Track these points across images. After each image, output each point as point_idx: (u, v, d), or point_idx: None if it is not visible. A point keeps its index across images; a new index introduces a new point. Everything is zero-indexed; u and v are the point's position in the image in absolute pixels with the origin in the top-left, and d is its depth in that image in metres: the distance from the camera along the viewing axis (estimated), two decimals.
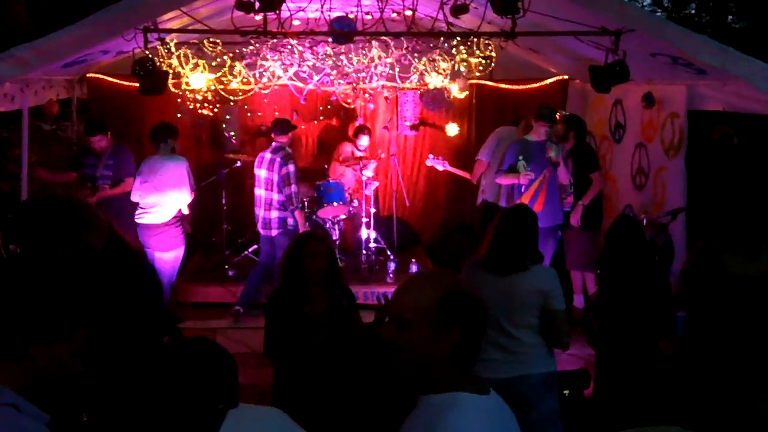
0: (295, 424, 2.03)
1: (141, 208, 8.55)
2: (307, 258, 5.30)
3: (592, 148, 9.43)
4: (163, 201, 8.54)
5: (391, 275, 10.21)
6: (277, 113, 11.45)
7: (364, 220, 10.55)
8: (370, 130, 11.22)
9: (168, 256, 8.63)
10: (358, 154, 10.97)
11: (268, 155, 9.17)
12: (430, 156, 10.44)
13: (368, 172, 10.67)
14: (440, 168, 10.30)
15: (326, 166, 11.06)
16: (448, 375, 2.45)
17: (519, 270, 5.03)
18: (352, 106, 11.34)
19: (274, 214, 9.13)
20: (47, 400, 2.72)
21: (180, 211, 8.77)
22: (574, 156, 9.08)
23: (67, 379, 2.74)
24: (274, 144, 9.23)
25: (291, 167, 9.01)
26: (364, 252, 10.56)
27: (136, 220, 8.55)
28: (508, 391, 4.95)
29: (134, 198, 8.54)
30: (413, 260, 10.31)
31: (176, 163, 8.71)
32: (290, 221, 9.12)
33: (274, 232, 9.12)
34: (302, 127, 11.68)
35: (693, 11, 20.13)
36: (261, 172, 9.19)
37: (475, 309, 2.50)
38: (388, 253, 10.63)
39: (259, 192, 9.20)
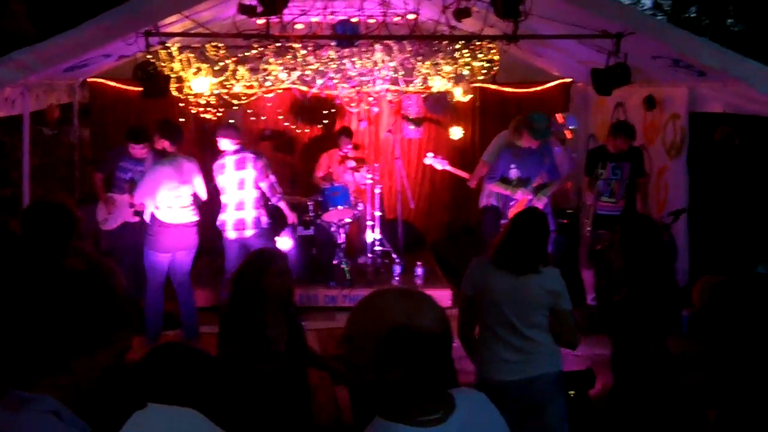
0: (213, 425, 1.95)
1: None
2: (273, 277, 4.89)
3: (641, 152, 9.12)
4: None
5: (396, 278, 10.22)
6: (280, 117, 11.48)
7: (369, 223, 10.54)
8: (351, 132, 11.18)
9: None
10: (347, 153, 10.99)
11: (232, 158, 8.94)
12: (429, 154, 10.37)
13: (364, 176, 10.64)
14: (439, 167, 10.24)
15: (330, 170, 11.04)
16: (393, 403, 2.32)
17: (533, 271, 5.04)
18: (356, 110, 11.35)
19: (250, 214, 8.98)
20: (90, 406, 2.72)
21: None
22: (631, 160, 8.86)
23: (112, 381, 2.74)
24: (235, 146, 8.98)
25: (264, 159, 9.03)
26: (369, 255, 10.56)
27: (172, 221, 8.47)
28: (523, 392, 5.00)
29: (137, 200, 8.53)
30: (419, 262, 10.29)
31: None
32: (264, 220, 9.04)
33: (249, 233, 8.96)
34: (306, 130, 11.69)
35: (693, 14, 20.17)
36: (228, 177, 8.95)
37: (424, 348, 2.29)
38: (394, 255, 10.62)
39: (228, 197, 8.98)
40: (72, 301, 2.54)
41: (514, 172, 8.56)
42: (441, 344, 2.33)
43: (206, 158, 10.96)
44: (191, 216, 8.49)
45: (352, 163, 10.76)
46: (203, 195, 8.68)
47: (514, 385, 4.99)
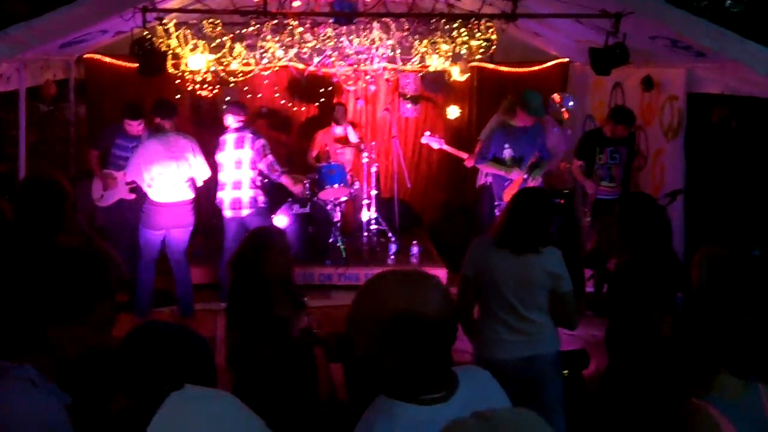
0: (249, 410, 1.96)
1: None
2: (274, 255, 4.89)
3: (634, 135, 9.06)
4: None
5: (392, 257, 10.24)
6: (277, 95, 11.44)
7: (365, 201, 10.54)
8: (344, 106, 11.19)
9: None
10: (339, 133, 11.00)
11: (233, 135, 8.94)
12: (426, 133, 10.33)
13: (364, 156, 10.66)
14: (436, 146, 10.21)
15: (327, 149, 11.00)
16: (396, 382, 2.33)
17: (533, 251, 5.03)
18: (353, 88, 11.33)
19: (247, 193, 8.99)
20: (74, 381, 2.76)
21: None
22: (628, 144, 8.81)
23: (95, 359, 2.77)
24: (237, 123, 8.98)
25: (263, 139, 9.02)
26: (365, 234, 10.58)
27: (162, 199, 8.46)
28: (521, 371, 5.00)
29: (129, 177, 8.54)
30: (414, 242, 10.31)
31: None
32: (261, 199, 9.04)
33: (245, 212, 8.98)
34: (303, 109, 11.66)
35: None
36: (227, 155, 8.94)
37: (426, 335, 2.30)
38: (389, 234, 10.63)
39: (225, 175, 8.98)
40: (45, 273, 2.61)
41: (507, 152, 8.50)
42: (445, 329, 2.33)
43: (202, 135, 10.92)
44: (184, 194, 8.44)
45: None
46: (200, 174, 8.60)
47: (513, 364, 5.00)
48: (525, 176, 8.38)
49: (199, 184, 8.70)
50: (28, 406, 2.52)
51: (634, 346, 5.39)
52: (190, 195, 8.52)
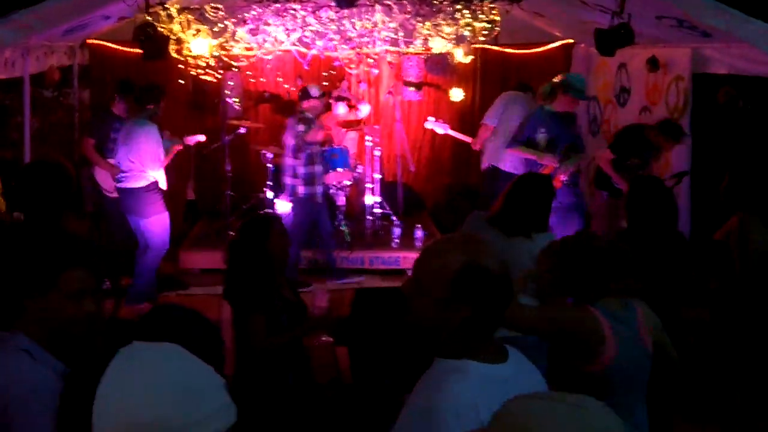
0: (198, 359, 1.97)
1: (122, 172, 8.36)
2: (276, 238, 4.82)
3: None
4: (137, 166, 8.27)
5: (396, 240, 10.24)
6: (280, 79, 11.43)
7: (369, 185, 10.52)
8: (346, 99, 11.21)
9: (149, 221, 8.38)
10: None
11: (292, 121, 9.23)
12: (431, 118, 10.31)
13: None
14: (441, 131, 10.20)
15: (330, 132, 10.97)
16: (459, 341, 2.43)
17: (523, 235, 5.02)
18: (355, 72, 11.30)
19: (287, 181, 9.28)
20: (69, 351, 2.83)
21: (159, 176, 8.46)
22: None
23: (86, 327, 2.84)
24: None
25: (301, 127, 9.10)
26: (368, 217, 10.56)
27: (116, 185, 8.43)
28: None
29: (114, 162, 8.51)
30: (418, 225, 10.30)
31: (149, 129, 8.33)
32: (301, 189, 9.11)
33: (288, 200, 9.26)
34: None
35: None
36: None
37: (492, 287, 2.42)
38: (393, 218, 10.64)
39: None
40: (13, 247, 2.72)
41: (542, 137, 8.22)
42: (506, 284, 2.46)
43: (205, 120, 10.96)
44: (126, 181, 8.35)
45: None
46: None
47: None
48: (556, 165, 8.17)
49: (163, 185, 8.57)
50: (22, 375, 2.61)
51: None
52: (130, 184, 8.37)
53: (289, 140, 9.26)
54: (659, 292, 5.27)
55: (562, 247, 4.08)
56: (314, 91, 9.21)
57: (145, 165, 8.19)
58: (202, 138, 9.32)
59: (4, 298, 2.76)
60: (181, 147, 8.74)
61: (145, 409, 1.77)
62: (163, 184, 8.40)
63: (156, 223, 8.32)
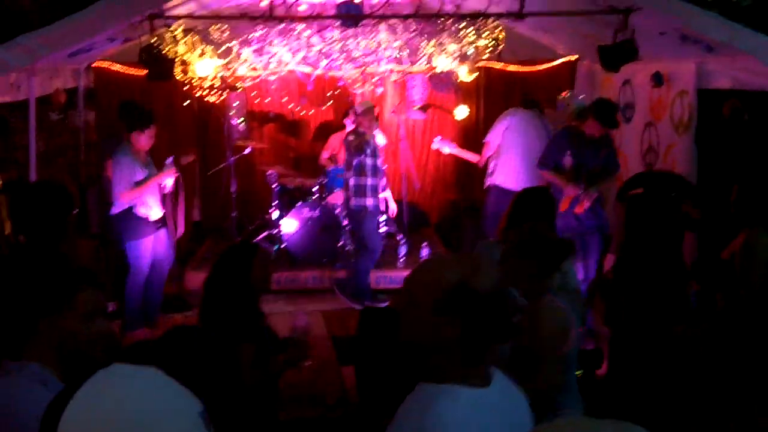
0: (181, 387, 1.93)
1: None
2: (259, 267, 4.72)
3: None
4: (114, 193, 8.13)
5: (401, 259, 10.23)
6: (285, 99, 11.46)
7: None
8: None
9: (126, 247, 8.23)
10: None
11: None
12: (437, 138, 10.33)
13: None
14: (447, 151, 10.22)
15: (336, 153, 10.97)
16: (447, 364, 2.39)
17: None
18: (360, 91, 11.32)
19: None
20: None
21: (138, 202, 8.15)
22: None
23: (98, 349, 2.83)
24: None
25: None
26: None
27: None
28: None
29: None
30: (424, 243, 10.29)
31: (118, 156, 8.10)
32: (352, 201, 9.30)
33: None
34: (310, 113, 11.67)
35: None
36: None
37: (482, 308, 2.36)
38: (399, 236, 10.62)
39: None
40: (24, 270, 2.77)
41: (568, 160, 8.12)
42: (495, 303, 2.39)
43: (210, 140, 10.98)
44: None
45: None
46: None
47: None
48: (579, 192, 7.96)
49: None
50: (38, 406, 2.57)
51: (641, 349, 5.37)
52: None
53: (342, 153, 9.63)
54: (652, 309, 5.28)
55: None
56: (359, 108, 9.47)
57: (114, 192, 8.09)
58: (191, 158, 9.32)
59: (18, 322, 2.73)
60: (170, 174, 8.31)
61: None
62: (146, 210, 8.14)
63: (131, 249, 8.17)
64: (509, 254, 4.07)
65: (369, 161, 9.21)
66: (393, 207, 10.13)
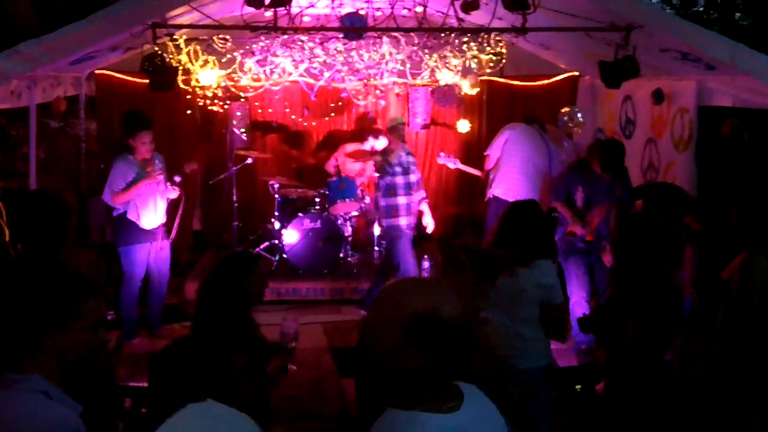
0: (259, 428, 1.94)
1: None
2: (258, 278, 4.73)
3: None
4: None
5: None
6: (287, 110, 11.47)
7: (376, 216, 10.50)
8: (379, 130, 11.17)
9: (119, 251, 8.26)
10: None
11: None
12: (442, 154, 10.36)
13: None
14: (452, 166, 10.27)
15: (337, 163, 10.95)
16: (413, 390, 2.37)
17: (524, 264, 5.01)
18: (363, 103, 11.32)
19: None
20: (83, 386, 2.82)
21: (129, 207, 8.14)
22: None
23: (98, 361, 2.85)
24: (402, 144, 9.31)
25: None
26: (376, 248, 10.57)
27: None
28: (515, 383, 4.98)
29: None
30: (425, 256, 10.28)
31: (115, 161, 8.17)
32: (384, 222, 9.26)
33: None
34: (313, 123, 11.68)
35: (701, 8, 20.18)
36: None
37: (448, 337, 2.35)
38: None
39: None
40: (28, 285, 2.76)
41: (579, 196, 8.04)
42: (462, 333, 2.38)
43: (212, 150, 10.98)
44: None
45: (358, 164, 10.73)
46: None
47: (503, 377, 4.99)
48: (585, 232, 7.90)
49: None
50: (44, 417, 2.58)
51: (634, 377, 5.35)
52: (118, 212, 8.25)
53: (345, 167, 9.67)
54: (644, 329, 5.26)
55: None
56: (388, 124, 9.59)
57: (104, 192, 8.13)
58: (194, 166, 9.31)
59: (21, 336, 2.73)
60: (153, 179, 8.10)
61: None
62: (136, 216, 8.11)
63: (123, 255, 8.19)
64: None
65: (400, 180, 9.12)
66: (429, 222, 9.76)
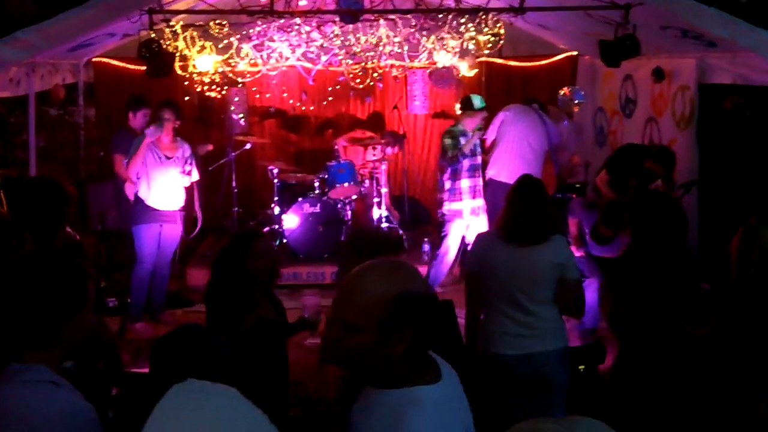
0: (249, 402, 1.93)
1: None
2: (256, 255, 4.73)
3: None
4: None
5: (403, 255, 10.19)
6: (285, 94, 11.45)
7: (376, 199, 10.50)
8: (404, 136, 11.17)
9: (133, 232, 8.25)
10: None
11: None
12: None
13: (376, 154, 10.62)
14: None
15: (335, 147, 10.94)
16: (400, 370, 2.35)
17: (540, 241, 4.98)
18: (361, 86, 11.30)
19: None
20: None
21: (137, 189, 8.17)
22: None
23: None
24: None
25: None
26: None
27: None
28: (527, 366, 4.97)
29: None
30: (425, 239, 10.28)
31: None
32: (445, 205, 8.98)
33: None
34: (311, 108, 11.65)
35: None
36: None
37: (428, 310, 2.35)
38: (400, 232, 10.60)
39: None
40: (40, 276, 2.74)
41: (574, 227, 8.06)
42: (437, 303, 2.44)
43: (210, 136, 10.95)
44: None
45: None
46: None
47: (518, 359, 4.96)
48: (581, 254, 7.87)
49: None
50: (61, 408, 2.58)
51: (652, 348, 5.31)
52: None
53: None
54: (664, 307, 5.23)
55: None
56: (478, 102, 8.98)
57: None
58: (210, 147, 9.33)
59: (39, 327, 2.69)
60: (152, 137, 7.94)
61: None
62: (146, 193, 8.11)
63: (135, 234, 8.17)
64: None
65: (466, 163, 8.88)
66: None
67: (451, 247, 8.96)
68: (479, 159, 9.01)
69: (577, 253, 7.86)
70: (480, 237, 5.37)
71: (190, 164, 8.20)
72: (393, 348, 2.30)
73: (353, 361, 2.38)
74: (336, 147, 10.63)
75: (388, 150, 10.72)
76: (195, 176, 8.41)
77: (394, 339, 2.29)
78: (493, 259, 5.05)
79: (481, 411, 5.01)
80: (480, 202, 8.97)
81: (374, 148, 10.68)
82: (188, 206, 8.57)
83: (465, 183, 8.87)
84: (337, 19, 8.56)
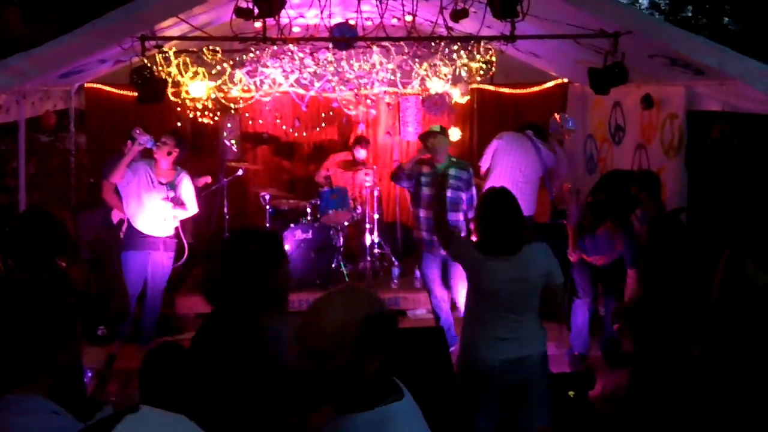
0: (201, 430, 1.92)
1: None
2: (286, 267, 4.33)
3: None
4: None
5: (395, 281, 10.21)
6: (278, 120, 11.47)
7: (368, 226, 10.50)
8: (368, 141, 11.14)
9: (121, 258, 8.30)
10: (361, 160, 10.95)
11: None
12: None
13: (368, 180, 10.60)
14: None
15: (329, 173, 10.95)
16: (374, 391, 2.42)
17: (518, 250, 5.01)
18: (354, 113, 11.33)
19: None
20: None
21: (125, 216, 8.38)
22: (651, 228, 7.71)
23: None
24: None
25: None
26: (368, 258, 10.52)
27: None
28: (511, 372, 5.00)
29: None
30: (417, 266, 10.27)
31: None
32: (424, 235, 8.84)
33: None
34: (304, 134, 11.67)
35: (690, 14, 20.26)
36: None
37: (393, 329, 2.44)
38: (393, 258, 10.61)
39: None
40: (36, 305, 2.75)
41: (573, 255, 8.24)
42: (395, 319, 2.48)
43: (203, 162, 10.96)
44: None
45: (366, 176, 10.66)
46: None
47: (503, 364, 5.00)
48: (576, 259, 8.26)
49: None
50: None
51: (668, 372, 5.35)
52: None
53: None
54: (678, 329, 5.27)
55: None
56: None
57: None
58: (208, 179, 9.36)
59: (36, 356, 2.70)
60: (132, 148, 8.10)
61: None
62: (132, 216, 8.24)
63: (122, 261, 8.24)
64: None
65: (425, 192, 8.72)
66: None
67: (430, 279, 8.96)
68: (456, 194, 8.67)
69: (573, 258, 7.97)
70: (456, 240, 5.44)
71: (181, 195, 8.27)
72: (365, 369, 2.36)
73: (328, 388, 2.40)
74: (323, 173, 10.69)
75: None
76: (193, 209, 8.43)
77: (365, 360, 2.36)
78: (479, 269, 5.09)
79: (464, 424, 5.02)
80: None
81: (366, 174, 10.67)
82: (179, 233, 8.57)
83: (422, 212, 8.75)
84: (331, 45, 8.60)
